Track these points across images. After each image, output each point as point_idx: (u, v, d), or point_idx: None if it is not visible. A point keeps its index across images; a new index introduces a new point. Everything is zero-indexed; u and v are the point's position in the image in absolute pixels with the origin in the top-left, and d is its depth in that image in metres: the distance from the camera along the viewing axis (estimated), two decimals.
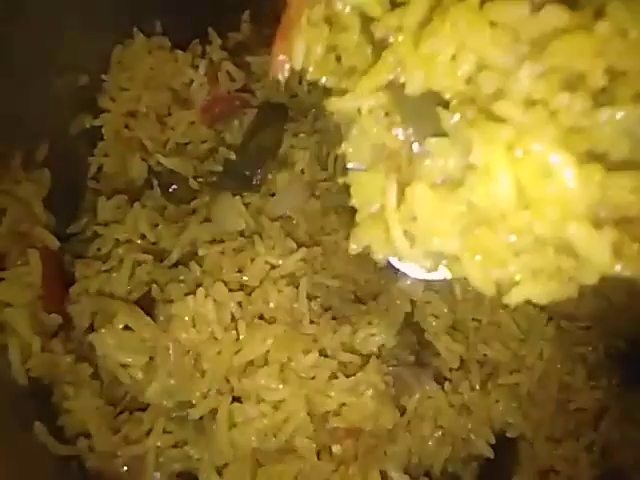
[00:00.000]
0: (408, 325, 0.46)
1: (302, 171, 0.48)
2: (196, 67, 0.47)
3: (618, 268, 0.26)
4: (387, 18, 0.30)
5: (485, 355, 0.45)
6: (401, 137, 0.30)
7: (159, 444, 0.38)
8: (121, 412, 0.38)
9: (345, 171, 0.29)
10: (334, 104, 0.29)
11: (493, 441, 0.42)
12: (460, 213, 0.28)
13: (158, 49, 0.47)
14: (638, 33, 0.27)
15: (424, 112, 0.30)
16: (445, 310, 0.45)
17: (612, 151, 0.27)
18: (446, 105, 0.29)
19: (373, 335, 0.43)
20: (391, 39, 0.30)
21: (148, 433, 0.38)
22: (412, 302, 0.46)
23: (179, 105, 0.48)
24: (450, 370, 0.45)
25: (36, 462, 0.37)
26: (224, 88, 0.47)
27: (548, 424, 0.43)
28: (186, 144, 0.48)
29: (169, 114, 0.47)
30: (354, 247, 0.29)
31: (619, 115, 0.27)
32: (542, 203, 0.25)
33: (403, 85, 0.28)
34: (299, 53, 0.30)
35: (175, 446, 0.38)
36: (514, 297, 0.27)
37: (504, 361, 0.44)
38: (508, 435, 0.43)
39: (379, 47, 0.32)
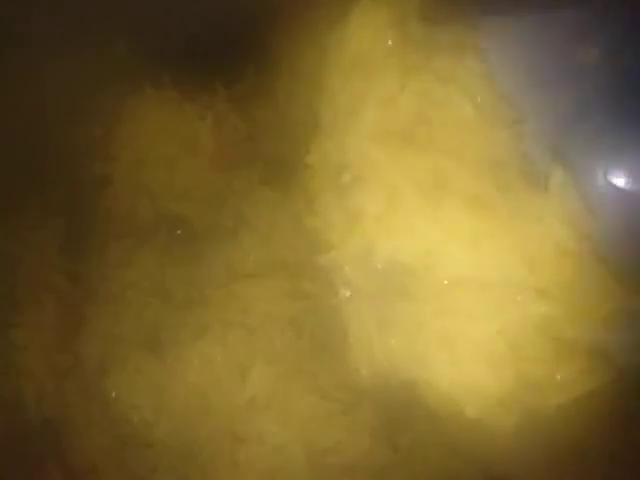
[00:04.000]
0: None
1: None
2: (203, 118, 0.50)
3: None
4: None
5: None
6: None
7: None
8: (128, 449, 0.41)
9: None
10: None
11: None
12: None
13: (167, 101, 0.50)
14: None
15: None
16: None
17: None
18: None
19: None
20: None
21: (153, 470, 0.40)
22: None
23: (187, 153, 0.50)
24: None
25: None
26: (230, 138, 0.50)
27: (533, 463, 0.46)
28: (193, 189, 0.51)
29: (177, 161, 0.51)
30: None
31: None
32: None
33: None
34: None
35: None
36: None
37: None
38: (495, 473, 0.46)
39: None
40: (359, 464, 0.39)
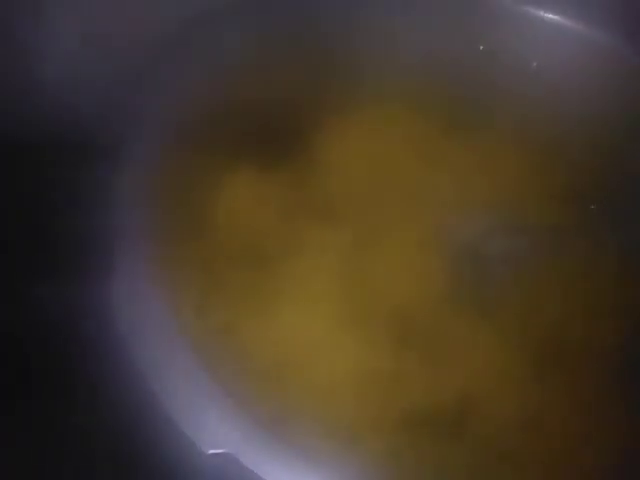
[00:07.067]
0: None
1: None
2: (273, 185, 0.69)
3: None
4: None
5: None
6: None
7: None
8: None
9: None
10: None
11: None
12: None
13: (248, 174, 0.68)
14: None
15: None
16: None
17: None
18: None
19: None
20: None
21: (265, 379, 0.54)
22: None
23: (263, 209, 0.68)
24: None
25: None
26: (292, 198, 0.69)
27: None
28: (267, 230, 0.69)
29: (256, 215, 0.69)
30: None
31: None
32: None
33: None
34: None
35: None
36: None
37: None
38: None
39: None
40: (381, 375, 0.54)
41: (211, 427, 0.36)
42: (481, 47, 0.66)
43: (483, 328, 0.55)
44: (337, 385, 0.51)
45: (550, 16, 0.63)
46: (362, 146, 0.64)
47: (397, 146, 0.64)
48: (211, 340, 0.48)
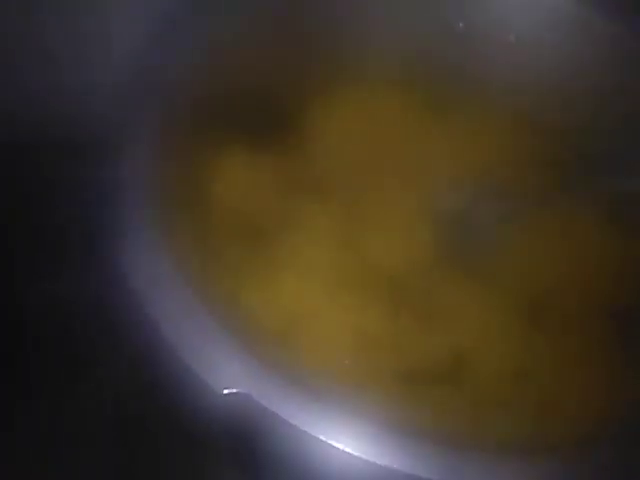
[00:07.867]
0: None
1: None
2: (265, 164, 0.73)
3: None
4: None
5: None
6: None
7: None
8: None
9: None
10: None
11: None
12: None
13: (241, 156, 0.69)
14: None
15: None
16: None
17: None
18: None
19: None
20: None
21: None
22: None
23: (256, 185, 0.68)
24: None
25: None
26: (284, 175, 0.72)
27: None
28: (264, 208, 0.71)
29: (252, 192, 0.73)
30: None
31: None
32: None
33: None
34: None
35: None
36: None
37: None
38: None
39: None
40: (379, 333, 0.56)
41: (224, 369, 0.38)
42: (460, 24, 0.68)
43: (474, 287, 0.56)
44: (338, 342, 0.54)
45: None
46: (348, 123, 0.65)
47: (382, 122, 0.65)
48: (219, 303, 0.49)
